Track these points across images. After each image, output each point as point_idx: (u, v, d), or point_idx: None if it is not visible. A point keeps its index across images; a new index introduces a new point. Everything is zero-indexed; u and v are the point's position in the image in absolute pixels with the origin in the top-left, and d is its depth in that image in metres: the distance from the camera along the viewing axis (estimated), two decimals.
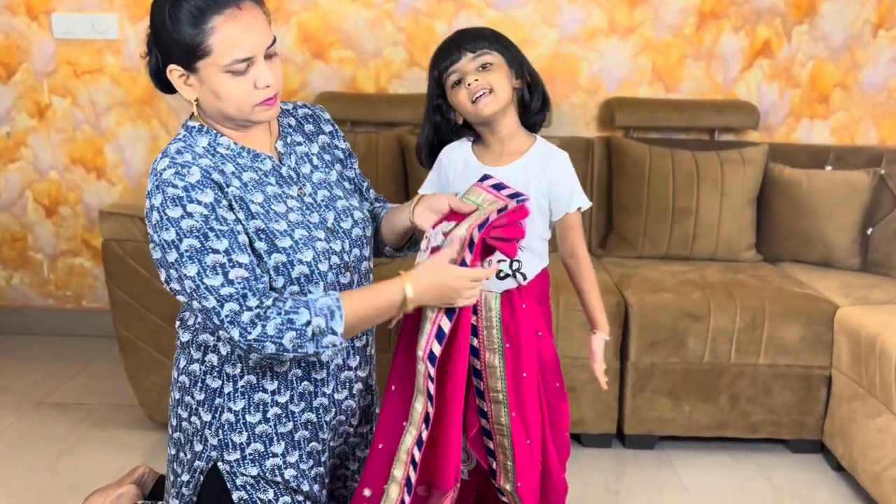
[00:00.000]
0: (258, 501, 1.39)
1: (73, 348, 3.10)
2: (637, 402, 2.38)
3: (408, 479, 1.38)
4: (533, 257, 1.53)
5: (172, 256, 1.24)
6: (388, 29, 2.99)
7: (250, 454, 1.38)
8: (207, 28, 1.24)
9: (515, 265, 1.49)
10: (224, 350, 1.37)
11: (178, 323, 1.43)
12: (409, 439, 1.38)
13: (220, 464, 1.38)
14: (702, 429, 2.40)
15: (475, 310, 1.49)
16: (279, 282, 1.31)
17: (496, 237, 1.33)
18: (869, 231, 2.70)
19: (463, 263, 1.31)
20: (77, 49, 3.02)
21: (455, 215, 1.38)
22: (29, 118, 3.09)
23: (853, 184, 2.66)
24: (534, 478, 1.55)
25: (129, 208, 2.30)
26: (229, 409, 1.37)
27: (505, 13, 2.96)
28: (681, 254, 2.73)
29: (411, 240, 1.55)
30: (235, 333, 1.24)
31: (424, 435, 1.37)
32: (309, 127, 1.49)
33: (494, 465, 1.56)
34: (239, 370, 1.37)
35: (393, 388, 1.47)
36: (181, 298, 1.29)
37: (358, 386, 1.48)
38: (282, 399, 1.39)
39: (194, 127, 1.35)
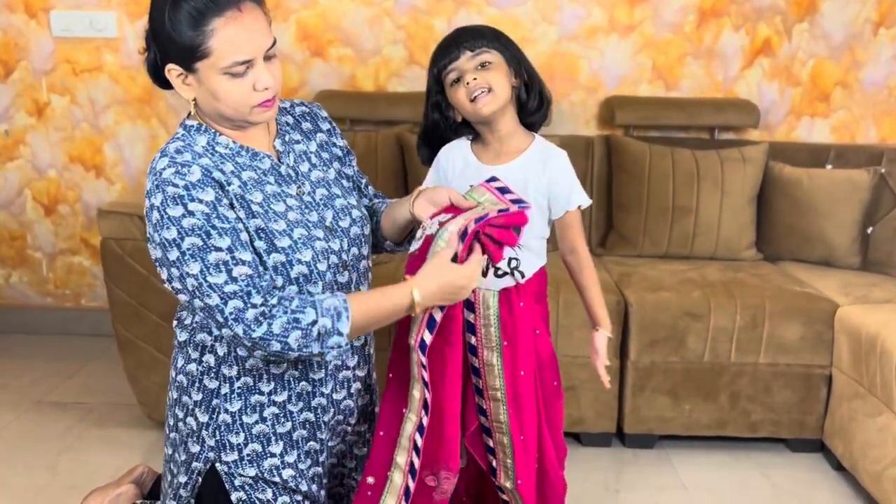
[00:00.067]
0: (257, 501, 1.38)
1: (72, 347, 3.10)
2: (637, 401, 2.37)
3: (411, 465, 1.39)
4: (531, 256, 1.52)
5: (174, 255, 1.24)
6: (388, 27, 2.98)
7: (248, 455, 1.38)
8: (207, 30, 1.23)
9: (514, 263, 1.49)
10: (221, 351, 1.36)
11: (175, 322, 1.42)
12: (409, 426, 1.39)
13: (217, 465, 1.38)
14: (702, 428, 2.40)
15: (473, 307, 1.49)
16: (278, 281, 1.31)
17: (489, 235, 1.33)
18: (869, 230, 2.70)
19: (454, 258, 1.32)
20: (76, 47, 3.02)
21: (454, 209, 1.38)
22: (28, 116, 3.09)
23: (853, 182, 2.65)
24: (531, 475, 1.55)
25: (127, 207, 2.30)
26: (226, 411, 1.37)
27: (505, 11, 2.96)
28: (681, 252, 2.72)
29: (411, 234, 1.55)
30: (239, 330, 1.23)
31: (425, 421, 1.38)
32: (307, 125, 1.49)
33: (494, 463, 1.56)
34: (235, 372, 1.36)
35: (391, 375, 1.48)
36: (182, 297, 1.28)
37: (356, 385, 1.47)
38: (279, 398, 1.38)
39: (192, 126, 1.34)
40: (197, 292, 1.24)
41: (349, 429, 1.49)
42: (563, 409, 1.64)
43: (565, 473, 1.64)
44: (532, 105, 1.53)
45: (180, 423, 1.41)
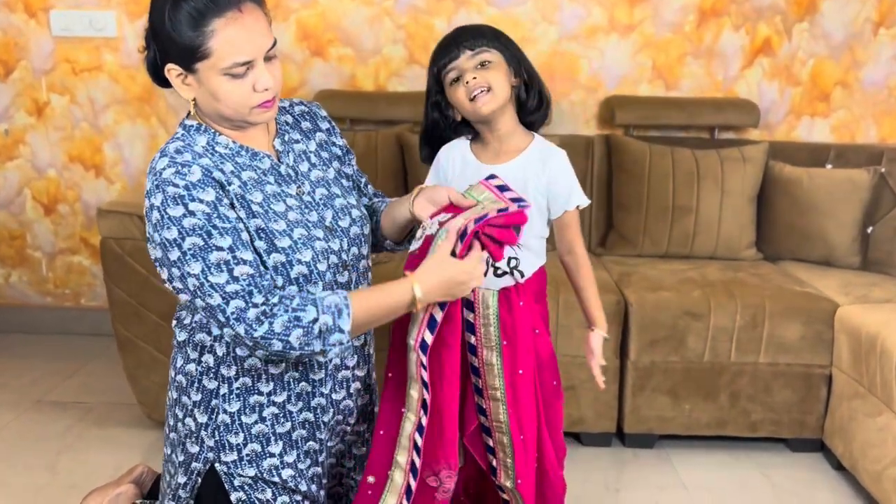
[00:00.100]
0: (256, 501, 1.38)
1: (72, 347, 3.09)
2: (637, 401, 2.37)
3: (412, 464, 1.39)
4: (531, 255, 1.52)
5: (175, 255, 1.24)
6: (388, 26, 2.98)
7: (247, 455, 1.38)
8: (207, 31, 1.22)
9: (513, 263, 1.49)
10: (220, 351, 1.36)
11: (174, 322, 1.42)
12: (408, 425, 1.39)
13: (217, 465, 1.38)
14: (702, 427, 2.39)
15: (472, 307, 1.49)
16: (278, 281, 1.31)
17: (489, 235, 1.33)
18: (869, 229, 2.69)
19: (452, 254, 1.32)
20: (75, 46, 3.01)
21: (454, 208, 1.38)
22: (27, 116, 3.08)
23: (854, 182, 2.65)
24: (531, 474, 1.55)
25: (127, 206, 2.29)
26: (225, 411, 1.37)
27: (505, 11, 2.95)
28: (681, 252, 2.72)
29: (411, 233, 1.55)
30: (241, 330, 1.23)
31: (424, 421, 1.38)
32: (306, 124, 1.48)
33: (494, 463, 1.56)
34: (234, 372, 1.36)
35: (390, 375, 1.48)
36: (184, 297, 1.28)
37: (356, 385, 1.47)
38: (279, 399, 1.38)
39: (192, 126, 1.34)
40: (198, 292, 1.24)
41: (348, 428, 1.49)
42: (563, 409, 1.64)
43: (565, 473, 1.64)
44: (531, 105, 1.53)
45: (179, 424, 1.40)
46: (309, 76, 3.02)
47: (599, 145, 2.88)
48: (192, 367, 1.38)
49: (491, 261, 1.36)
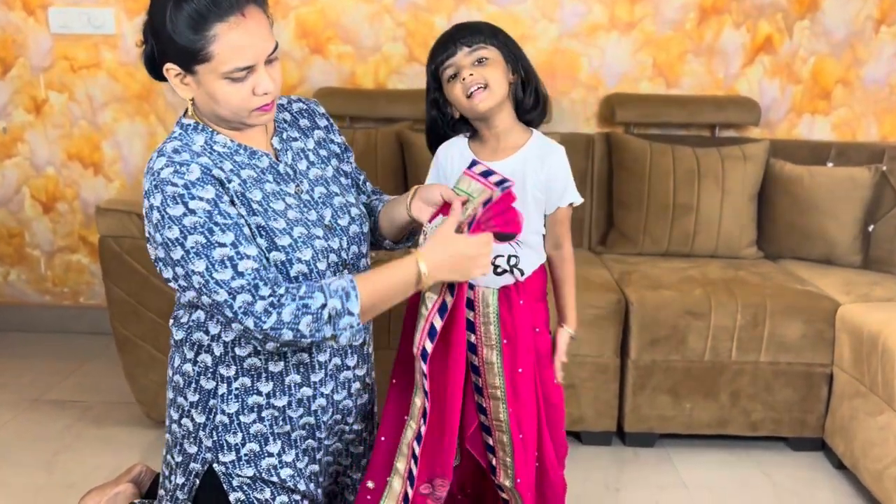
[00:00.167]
0: (255, 501, 1.37)
1: (70, 345, 3.09)
2: (637, 400, 2.36)
3: (410, 472, 1.39)
4: (531, 253, 1.52)
5: (178, 254, 1.23)
6: (388, 24, 2.97)
7: (245, 455, 1.37)
8: (209, 35, 1.21)
9: (513, 261, 1.49)
10: (218, 351, 1.35)
11: (171, 321, 1.41)
12: (409, 433, 1.39)
13: (215, 465, 1.37)
14: (702, 426, 2.39)
15: (472, 306, 1.49)
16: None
17: (490, 227, 1.33)
18: (870, 228, 2.69)
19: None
20: (73, 44, 3.00)
21: (448, 207, 1.38)
22: (26, 114, 3.07)
23: (855, 180, 2.64)
24: (531, 474, 1.55)
25: (126, 204, 2.28)
26: (223, 412, 1.36)
27: (505, 8, 2.94)
28: (681, 251, 2.71)
29: (410, 233, 1.54)
30: (250, 323, 1.22)
31: (423, 430, 1.37)
32: (304, 122, 1.48)
33: (494, 462, 1.55)
34: (233, 372, 1.35)
35: (394, 381, 1.47)
36: (189, 294, 1.27)
37: (355, 385, 1.46)
38: (279, 403, 1.37)
39: (190, 125, 1.33)
40: (204, 289, 1.23)
41: (347, 428, 1.49)
42: (564, 408, 1.64)
43: (565, 472, 1.64)
44: (528, 102, 1.52)
45: (174, 425, 1.40)
46: (308, 74, 3.01)
47: (600, 143, 2.87)
48: (188, 367, 1.37)
49: (510, 238, 1.36)
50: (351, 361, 1.44)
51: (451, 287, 1.35)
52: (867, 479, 2.13)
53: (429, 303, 1.34)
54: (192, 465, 1.38)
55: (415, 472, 1.39)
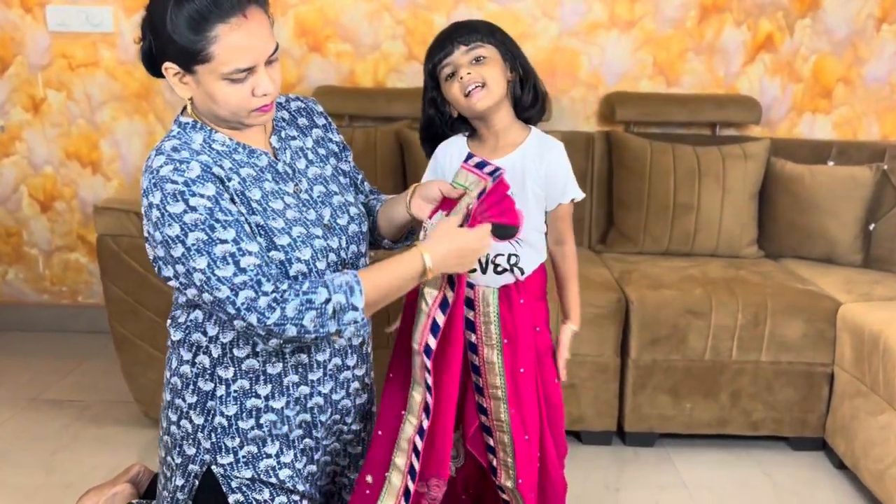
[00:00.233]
0: (254, 502, 1.37)
1: (69, 344, 3.08)
2: (638, 400, 2.36)
3: (411, 467, 1.38)
4: (531, 252, 1.51)
5: (178, 251, 1.22)
6: (387, 22, 2.96)
7: (244, 456, 1.36)
8: (210, 36, 1.20)
9: (513, 260, 1.48)
10: (216, 352, 1.34)
11: (169, 321, 1.40)
12: (409, 428, 1.38)
13: (214, 467, 1.36)
14: (703, 426, 2.38)
15: (472, 305, 1.48)
16: None
17: (487, 218, 1.34)
18: (871, 227, 2.68)
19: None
20: (71, 42, 2.99)
21: (447, 202, 1.38)
22: (23, 112, 3.06)
23: (856, 179, 2.64)
24: (533, 474, 1.54)
25: (123, 203, 2.28)
26: (221, 414, 1.35)
27: (505, 6, 2.94)
28: (682, 250, 2.71)
29: (410, 232, 1.54)
30: (253, 319, 1.21)
31: (426, 425, 1.37)
32: (302, 120, 1.47)
33: (494, 462, 1.55)
34: (231, 374, 1.34)
35: (391, 375, 1.46)
36: (190, 292, 1.26)
37: (354, 385, 1.46)
38: (277, 405, 1.37)
39: (188, 123, 1.32)
40: (205, 286, 1.22)
41: (345, 428, 1.48)
42: (564, 407, 1.63)
43: (565, 472, 1.63)
44: (526, 100, 1.51)
45: (173, 427, 1.39)
46: (307, 72, 3.00)
47: (600, 142, 2.86)
48: (186, 368, 1.36)
49: (510, 230, 1.37)
50: (350, 361, 1.43)
51: (451, 282, 1.35)
52: (868, 479, 2.13)
53: (428, 298, 1.34)
54: (191, 466, 1.37)
55: (416, 466, 1.38)
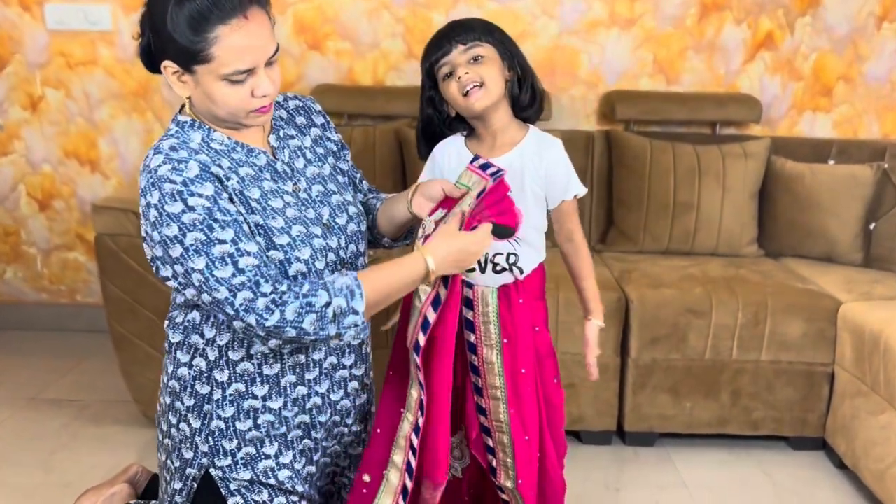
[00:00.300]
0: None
1: (68, 343, 3.07)
2: (638, 399, 2.35)
3: (408, 464, 1.38)
4: (530, 251, 1.50)
5: (177, 252, 1.21)
6: (386, 20, 2.95)
7: (242, 458, 1.36)
8: (210, 37, 1.19)
9: (512, 259, 1.47)
10: (212, 355, 1.34)
11: (167, 323, 1.40)
12: (406, 426, 1.38)
13: (212, 470, 1.36)
14: (703, 426, 2.38)
15: (471, 305, 1.47)
16: None
17: (486, 218, 1.34)
18: (872, 226, 2.67)
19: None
20: (70, 40, 2.98)
21: (449, 201, 1.38)
22: (22, 110, 3.06)
23: (856, 178, 2.63)
24: (533, 474, 1.54)
25: (122, 202, 2.27)
26: (218, 417, 1.34)
27: (504, 5, 2.93)
28: (682, 249, 2.70)
29: (410, 230, 1.53)
30: (252, 321, 1.20)
31: (421, 422, 1.36)
32: (301, 119, 1.46)
33: (494, 463, 1.54)
34: (227, 377, 1.34)
35: (391, 373, 1.46)
36: (189, 293, 1.26)
37: (353, 385, 1.45)
38: (274, 405, 1.36)
39: (186, 122, 1.31)
40: (204, 287, 1.21)
41: (346, 430, 1.47)
42: (564, 407, 1.62)
43: (565, 472, 1.62)
44: (524, 99, 1.51)
45: (173, 430, 1.38)
46: (306, 70, 2.99)
47: (600, 141, 2.85)
48: (184, 370, 1.36)
49: (508, 230, 1.37)
50: (348, 360, 1.43)
51: (445, 280, 1.35)
52: (868, 479, 2.12)
53: (422, 296, 1.34)
54: (189, 470, 1.37)
55: (413, 463, 1.38)
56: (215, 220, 1.21)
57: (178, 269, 1.23)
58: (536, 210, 1.50)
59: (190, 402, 1.35)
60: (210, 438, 1.35)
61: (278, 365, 1.35)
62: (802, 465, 2.35)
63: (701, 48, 2.96)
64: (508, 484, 1.53)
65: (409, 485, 1.39)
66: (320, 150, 1.46)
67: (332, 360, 1.40)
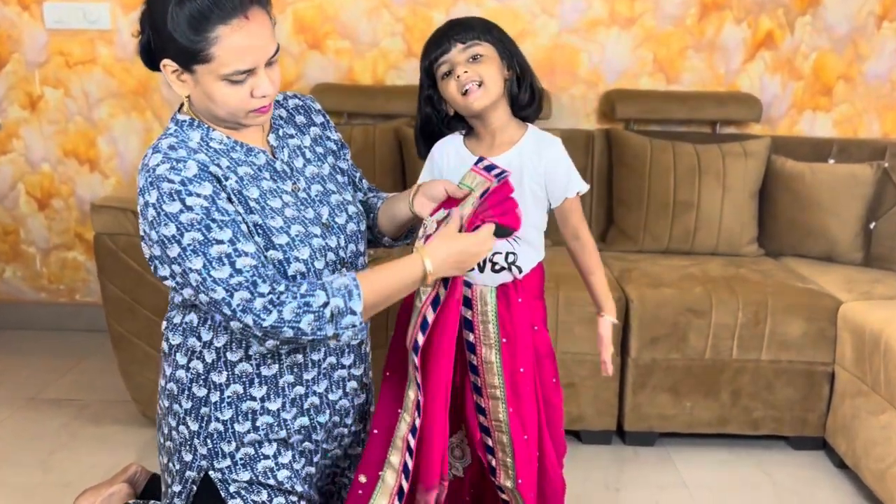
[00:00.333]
0: None
1: (67, 343, 3.07)
2: (637, 399, 2.35)
3: (405, 465, 1.38)
4: (530, 250, 1.50)
5: (175, 251, 1.21)
6: (386, 19, 2.94)
7: (241, 459, 1.35)
8: (211, 37, 1.19)
9: (511, 258, 1.47)
10: (210, 357, 1.34)
11: (165, 323, 1.39)
12: (403, 427, 1.38)
13: (211, 472, 1.35)
14: (703, 425, 2.37)
15: (470, 304, 1.47)
16: None
17: (488, 218, 1.33)
18: (872, 225, 2.67)
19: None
20: (69, 39, 2.98)
21: (451, 201, 1.38)
22: (21, 110, 3.05)
23: (856, 177, 2.63)
24: (532, 473, 1.53)
25: (120, 201, 2.27)
26: (216, 419, 1.34)
27: (504, 3, 2.92)
28: (682, 248, 2.70)
29: (410, 229, 1.53)
30: (249, 321, 1.20)
31: (418, 423, 1.36)
32: (300, 118, 1.46)
33: (493, 463, 1.54)
34: (225, 378, 1.34)
35: (388, 374, 1.45)
36: (186, 292, 1.25)
37: (352, 384, 1.45)
38: (273, 406, 1.36)
39: (185, 121, 1.31)
40: (201, 287, 1.21)
41: (346, 431, 1.47)
42: (563, 407, 1.62)
43: (565, 472, 1.62)
44: (523, 98, 1.50)
45: (174, 433, 1.38)
46: (306, 69, 2.99)
47: (600, 140, 2.85)
48: (182, 373, 1.35)
49: (509, 231, 1.37)
50: (346, 360, 1.43)
51: (445, 281, 1.35)
52: (869, 479, 2.12)
53: (423, 296, 1.34)
54: (188, 472, 1.37)
55: (410, 464, 1.38)
56: (213, 220, 1.21)
57: (176, 268, 1.22)
58: (535, 209, 1.49)
59: (188, 405, 1.35)
60: (209, 441, 1.34)
61: (276, 365, 1.34)
62: (803, 465, 2.35)
63: (701, 47, 2.95)
64: (508, 484, 1.53)
65: (406, 486, 1.39)
66: (320, 150, 1.45)
67: (332, 359, 1.40)
